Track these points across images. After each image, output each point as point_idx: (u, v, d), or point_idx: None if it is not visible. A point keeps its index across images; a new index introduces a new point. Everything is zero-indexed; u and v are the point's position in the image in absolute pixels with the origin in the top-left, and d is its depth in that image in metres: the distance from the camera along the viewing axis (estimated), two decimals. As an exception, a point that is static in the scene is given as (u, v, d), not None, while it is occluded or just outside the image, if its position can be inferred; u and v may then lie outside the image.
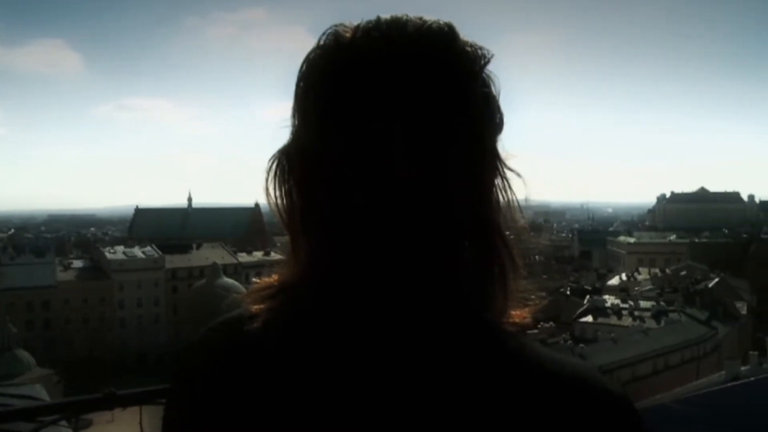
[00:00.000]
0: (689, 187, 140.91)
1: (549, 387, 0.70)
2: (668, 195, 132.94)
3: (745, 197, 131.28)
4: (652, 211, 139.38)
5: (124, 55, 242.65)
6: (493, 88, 0.77)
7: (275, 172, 0.79)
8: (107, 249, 70.04)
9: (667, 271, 69.26)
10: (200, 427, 0.76)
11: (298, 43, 0.82)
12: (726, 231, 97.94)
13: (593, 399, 0.71)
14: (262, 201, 0.80)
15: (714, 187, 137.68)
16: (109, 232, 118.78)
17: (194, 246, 72.77)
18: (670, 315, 48.25)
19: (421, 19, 0.76)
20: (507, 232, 0.79)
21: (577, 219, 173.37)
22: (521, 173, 0.79)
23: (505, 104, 0.78)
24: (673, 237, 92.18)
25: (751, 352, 36.72)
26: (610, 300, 53.73)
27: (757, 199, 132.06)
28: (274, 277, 0.82)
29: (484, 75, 0.76)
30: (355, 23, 0.77)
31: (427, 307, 0.73)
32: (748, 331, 52.16)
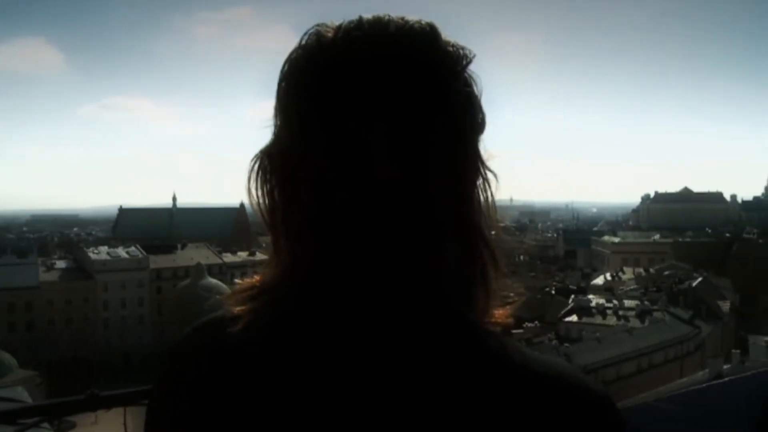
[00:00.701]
0: (673, 187, 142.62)
1: (531, 387, 0.70)
2: (652, 195, 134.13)
3: (727, 197, 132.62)
4: (636, 211, 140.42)
5: (108, 54, 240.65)
6: (475, 88, 0.77)
7: (257, 172, 0.79)
8: (91, 249, 69.45)
9: (651, 270, 69.74)
10: (182, 429, 0.76)
11: (283, 43, 0.81)
12: (709, 231, 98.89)
13: (575, 398, 0.71)
14: (247, 201, 0.80)
15: (697, 187, 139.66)
16: (93, 233, 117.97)
17: (179, 246, 72.54)
18: (654, 314, 48.64)
19: (403, 19, 0.76)
20: (490, 232, 0.78)
21: (562, 219, 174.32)
22: (504, 173, 0.78)
23: (490, 104, 0.77)
24: (657, 237, 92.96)
25: (733, 351, 37.01)
26: (594, 299, 54.12)
27: (739, 199, 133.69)
28: (256, 277, 0.82)
29: (466, 75, 0.76)
30: (338, 23, 0.76)
31: (409, 307, 0.73)
32: (731, 330, 52.62)
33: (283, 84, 0.77)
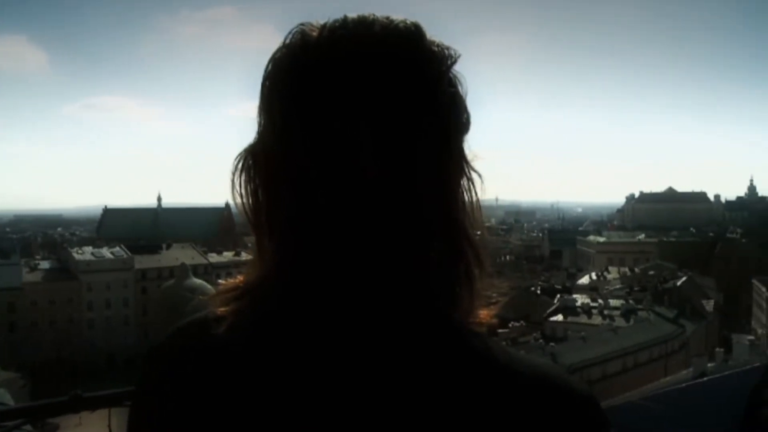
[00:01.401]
0: (657, 187, 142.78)
1: (516, 387, 0.70)
2: (637, 195, 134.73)
3: (711, 197, 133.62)
4: (621, 211, 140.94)
5: (91, 53, 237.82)
6: (460, 88, 0.77)
7: (241, 171, 0.79)
8: (75, 249, 68.87)
9: (636, 270, 70.10)
10: (165, 430, 0.76)
11: (268, 42, 0.81)
12: (693, 230, 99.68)
13: (558, 398, 0.72)
14: (232, 201, 0.80)
15: (681, 187, 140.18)
16: (77, 233, 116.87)
17: (164, 246, 71.99)
18: (639, 313, 49.04)
19: (388, 18, 0.75)
20: (474, 232, 0.78)
21: (548, 219, 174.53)
22: (489, 173, 0.78)
23: (474, 105, 0.78)
24: (641, 236, 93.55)
25: (717, 349, 37.50)
26: (580, 299, 54.43)
27: (723, 199, 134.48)
28: (240, 278, 0.82)
29: (451, 75, 0.76)
30: (322, 22, 0.76)
31: (393, 308, 0.73)
32: (715, 329, 53.17)
33: (266, 83, 0.77)
